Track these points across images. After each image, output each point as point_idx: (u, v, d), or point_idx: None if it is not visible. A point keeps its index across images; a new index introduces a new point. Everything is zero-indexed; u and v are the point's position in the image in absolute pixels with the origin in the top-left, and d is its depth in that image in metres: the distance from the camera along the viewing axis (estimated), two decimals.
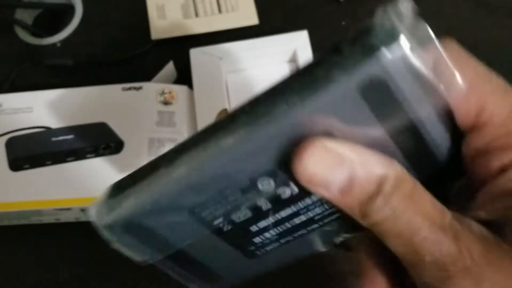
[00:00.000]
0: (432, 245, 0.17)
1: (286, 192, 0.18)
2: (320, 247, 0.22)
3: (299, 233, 0.20)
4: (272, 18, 0.58)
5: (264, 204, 0.19)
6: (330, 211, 0.19)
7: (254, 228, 0.20)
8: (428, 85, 0.15)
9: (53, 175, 0.47)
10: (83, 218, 0.48)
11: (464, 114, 0.18)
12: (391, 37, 0.14)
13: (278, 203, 0.19)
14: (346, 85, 0.15)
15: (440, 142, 0.18)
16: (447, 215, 0.18)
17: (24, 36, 0.59)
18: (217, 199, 0.18)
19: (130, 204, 0.18)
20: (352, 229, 0.21)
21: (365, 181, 0.18)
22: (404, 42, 0.14)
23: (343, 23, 0.57)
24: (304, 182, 0.18)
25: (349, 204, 0.18)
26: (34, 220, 0.49)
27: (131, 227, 0.19)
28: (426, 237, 0.17)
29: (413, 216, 0.17)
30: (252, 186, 0.18)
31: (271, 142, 0.16)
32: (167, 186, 0.18)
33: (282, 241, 0.21)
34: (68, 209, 0.46)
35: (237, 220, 0.19)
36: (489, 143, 0.18)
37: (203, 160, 0.17)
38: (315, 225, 0.20)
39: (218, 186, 0.18)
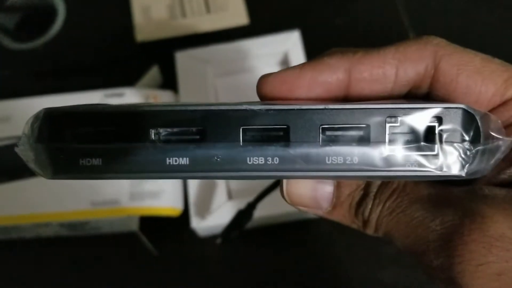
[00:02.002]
0: (434, 222, 0.18)
1: None
2: None
3: None
4: (263, 17, 0.55)
5: None
6: None
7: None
8: None
9: (32, 188, 0.45)
10: (64, 232, 0.46)
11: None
12: None
13: None
14: None
15: None
16: (452, 191, 0.18)
17: (5, 41, 0.57)
18: None
19: None
20: None
21: (351, 190, 0.20)
22: None
23: (337, 21, 0.54)
24: (294, 206, 0.21)
25: (343, 214, 0.20)
26: (14, 235, 0.46)
27: None
28: (426, 217, 0.18)
29: (409, 205, 0.18)
30: None
31: None
32: None
33: None
34: (47, 224, 0.44)
35: None
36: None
37: None
38: None
39: None
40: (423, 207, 0.18)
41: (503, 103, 0.19)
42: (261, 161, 0.18)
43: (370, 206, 0.19)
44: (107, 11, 0.57)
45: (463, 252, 0.17)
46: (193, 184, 0.44)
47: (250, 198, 0.42)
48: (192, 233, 0.44)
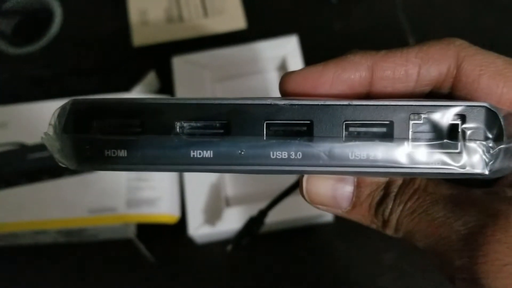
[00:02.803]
0: (457, 222, 0.18)
1: None
2: None
3: None
4: (261, 22, 0.55)
5: None
6: None
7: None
8: None
9: (30, 195, 0.44)
10: (61, 239, 0.46)
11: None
12: None
13: None
14: None
15: None
16: (474, 193, 0.18)
17: (2, 45, 0.57)
18: None
19: None
20: None
21: (371, 190, 0.20)
22: None
23: (335, 26, 0.54)
24: (313, 205, 0.21)
25: (362, 214, 0.20)
26: (11, 242, 0.46)
27: None
28: (449, 218, 0.18)
29: (431, 205, 0.18)
30: None
31: None
32: None
33: None
34: (45, 231, 0.44)
35: None
36: None
37: None
38: None
39: None
40: (445, 207, 0.18)
41: None
42: (285, 156, 0.18)
43: (390, 206, 0.20)
44: (104, 15, 0.57)
45: (487, 252, 0.17)
46: (191, 191, 0.44)
47: (248, 205, 0.42)
48: (189, 240, 0.44)
